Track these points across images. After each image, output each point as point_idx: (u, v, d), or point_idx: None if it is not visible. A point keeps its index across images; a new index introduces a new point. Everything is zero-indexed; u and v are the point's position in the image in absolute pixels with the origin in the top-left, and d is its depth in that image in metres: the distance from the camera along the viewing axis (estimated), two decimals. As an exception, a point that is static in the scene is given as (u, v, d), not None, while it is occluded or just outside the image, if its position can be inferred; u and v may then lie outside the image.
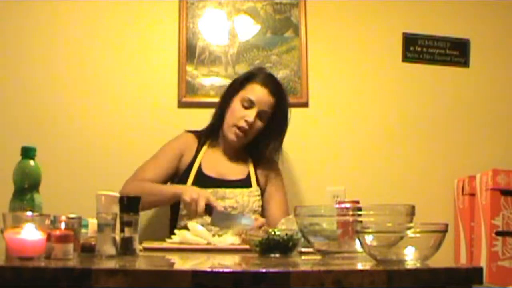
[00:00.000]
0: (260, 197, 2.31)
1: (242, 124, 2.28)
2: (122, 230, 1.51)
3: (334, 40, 2.81)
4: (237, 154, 2.39)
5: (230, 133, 2.31)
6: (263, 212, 2.31)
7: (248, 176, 2.34)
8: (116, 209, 1.50)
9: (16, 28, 2.68)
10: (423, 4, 2.84)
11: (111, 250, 1.46)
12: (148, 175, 2.25)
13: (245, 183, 2.31)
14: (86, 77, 2.69)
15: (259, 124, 2.32)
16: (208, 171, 2.31)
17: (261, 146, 2.37)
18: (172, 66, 2.70)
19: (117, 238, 1.48)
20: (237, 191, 2.27)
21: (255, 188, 2.31)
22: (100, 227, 1.46)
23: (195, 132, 2.41)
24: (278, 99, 2.34)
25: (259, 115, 2.30)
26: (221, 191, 2.25)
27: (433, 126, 2.80)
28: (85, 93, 2.68)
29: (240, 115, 2.29)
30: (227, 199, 2.24)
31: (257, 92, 2.31)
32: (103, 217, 1.47)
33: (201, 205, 2.01)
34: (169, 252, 1.75)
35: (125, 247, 1.50)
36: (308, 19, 2.77)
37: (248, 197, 2.26)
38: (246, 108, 2.29)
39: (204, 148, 2.36)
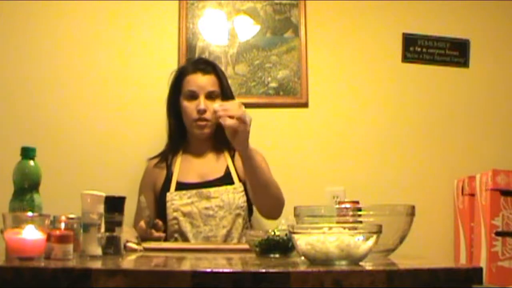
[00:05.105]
0: (244, 192, 2.27)
1: (197, 115, 2.30)
2: (107, 230, 1.51)
3: (334, 40, 2.81)
4: (213, 149, 2.38)
5: (194, 130, 2.32)
6: (250, 203, 2.28)
7: (228, 170, 2.32)
8: (101, 209, 1.50)
9: (16, 29, 2.67)
10: (422, 4, 2.84)
11: (96, 250, 1.46)
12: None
13: (226, 179, 2.29)
14: (86, 77, 2.69)
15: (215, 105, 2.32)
16: (187, 178, 2.30)
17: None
18: (172, 66, 2.70)
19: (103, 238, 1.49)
20: (222, 189, 2.25)
21: (238, 185, 2.28)
22: (86, 227, 1.46)
23: (157, 155, 2.42)
24: (215, 73, 2.35)
25: (208, 97, 2.31)
26: (205, 191, 2.24)
27: (433, 126, 2.80)
28: (84, 93, 2.68)
29: (192, 109, 2.31)
30: (213, 198, 2.23)
31: (192, 81, 2.33)
32: (88, 217, 1.47)
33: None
34: (168, 252, 1.75)
35: (110, 247, 1.50)
36: (308, 19, 2.77)
37: (233, 194, 2.25)
38: (192, 100, 2.31)
39: (178, 159, 2.36)
